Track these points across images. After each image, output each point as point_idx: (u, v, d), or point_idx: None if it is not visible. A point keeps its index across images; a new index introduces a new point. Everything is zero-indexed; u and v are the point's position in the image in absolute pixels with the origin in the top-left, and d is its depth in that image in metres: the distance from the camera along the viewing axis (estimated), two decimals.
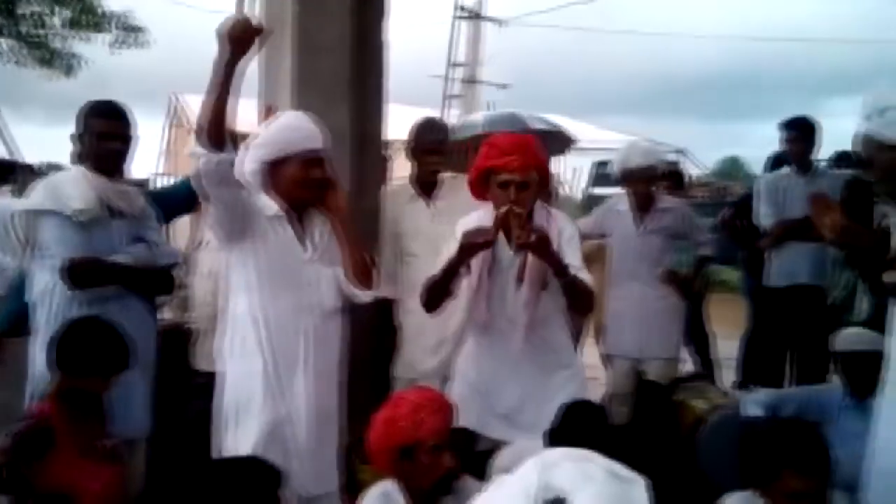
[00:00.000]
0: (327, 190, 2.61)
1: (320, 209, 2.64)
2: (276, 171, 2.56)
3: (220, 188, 2.38)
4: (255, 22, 2.28)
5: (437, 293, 2.77)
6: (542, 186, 2.81)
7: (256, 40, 2.30)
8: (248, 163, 2.55)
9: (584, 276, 2.74)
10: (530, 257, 2.73)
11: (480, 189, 2.82)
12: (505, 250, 2.80)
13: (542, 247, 2.59)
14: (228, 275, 2.57)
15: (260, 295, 2.50)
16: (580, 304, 2.83)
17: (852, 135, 2.27)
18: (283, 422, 2.50)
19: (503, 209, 2.61)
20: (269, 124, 2.67)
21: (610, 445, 2.33)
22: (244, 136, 2.65)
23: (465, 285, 3.53)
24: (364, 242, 2.77)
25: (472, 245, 2.63)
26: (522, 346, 2.80)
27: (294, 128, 2.59)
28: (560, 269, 2.66)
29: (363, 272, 2.64)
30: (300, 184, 2.55)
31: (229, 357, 2.54)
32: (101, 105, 2.95)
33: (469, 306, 2.85)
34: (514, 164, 2.67)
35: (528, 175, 2.69)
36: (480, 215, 2.82)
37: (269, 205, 2.56)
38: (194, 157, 2.31)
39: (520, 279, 2.76)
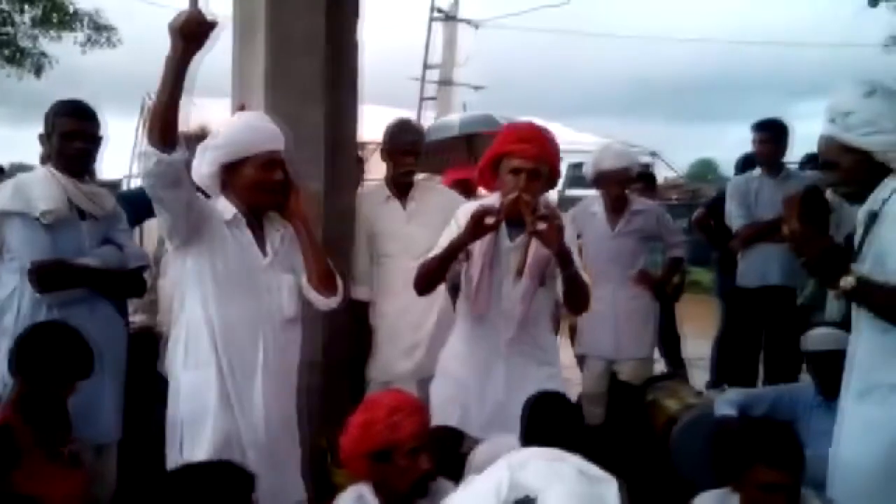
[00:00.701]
0: (288, 193, 2.53)
1: (281, 213, 2.56)
2: (234, 174, 2.47)
3: (172, 190, 2.26)
4: (207, 16, 2.15)
5: (433, 276, 2.75)
6: (550, 182, 2.81)
7: (210, 35, 2.17)
8: (204, 165, 2.47)
9: (584, 274, 2.75)
10: (532, 250, 2.71)
11: (489, 176, 2.81)
12: (505, 241, 2.78)
13: (554, 234, 2.55)
14: (183, 280, 2.47)
15: (216, 302, 2.41)
16: (578, 299, 2.78)
17: (817, 137, 2.31)
18: (239, 434, 2.40)
19: (512, 195, 2.59)
20: (226, 125, 2.57)
21: (578, 435, 2.36)
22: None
23: (441, 289, 3.56)
24: (327, 247, 2.72)
25: (479, 225, 2.59)
26: (512, 340, 2.80)
27: (253, 128, 2.50)
28: (566, 259, 2.63)
29: (326, 278, 2.57)
30: (259, 186, 2.46)
31: (182, 367, 2.44)
32: (67, 104, 2.89)
33: (470, 298, 2.82)
34: (529, 151, 2.66)
35: (540, 164, 2.68)
36: (484, 202, 2.80)
37: (226, 208, 2.47)
38: (145, 158, 2.20)
39: (520, 272, 2.75)
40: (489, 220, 2.58)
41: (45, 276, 2.71)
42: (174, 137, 2.21)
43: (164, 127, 2.18)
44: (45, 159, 2.97)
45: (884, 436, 2.10)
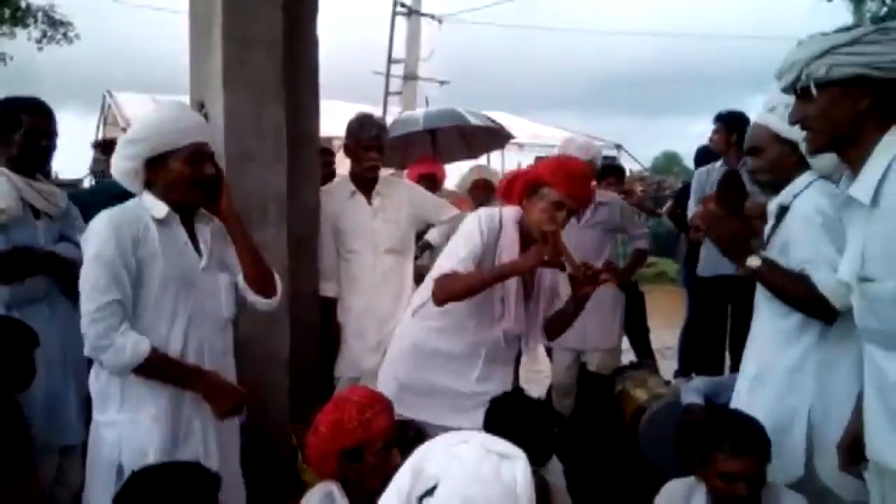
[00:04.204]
0: (219, 189, 2.35)
1: (212, 211, 2.38)
2: (158, 170, 2.27)
3: None
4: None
5: (470, 294, 2.65)
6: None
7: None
8: (122, 161, 2.29)
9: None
10: (544, 278, 2.78)
11: (519, 192, 2.75)
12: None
13: (592, 288, 2.61)
14: None
15: (155, 324, 2.22)
16: (561, 331, 2.86)
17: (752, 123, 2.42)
18: (190, 453, 2.25)
19: (551, 227, 2.56)
20: (145, 116, 2.37)
21: (540, 431, 2.36)
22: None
23: (409, 284, 3.53)
24: (290, 244, 2.62)
25: (548, 262, 2.56)
26: (495, 344, 2.82)
27: (176, 119, 2.29)
28: (584, 303, 2.69)
29: (263, 279, 2.43)
30: (189, 182, 2.26)
31: (118, 409, 2.23)
32: (31, 101, 2.86)
33: (499, 316, 2.77)
34: (580, 192, 2.69)
35: (580, 204, 2.74)
36: (503, 213, 2.77)
37: (156, 206, 2.26)
38: (123, 369, 2.17)
39: (528, 297, 2.79)
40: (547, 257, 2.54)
41: (10, 265, 2.67)
42: None
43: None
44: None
45: (779, 414, 2.23)
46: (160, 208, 2.26)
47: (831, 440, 2.09)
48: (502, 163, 10.24)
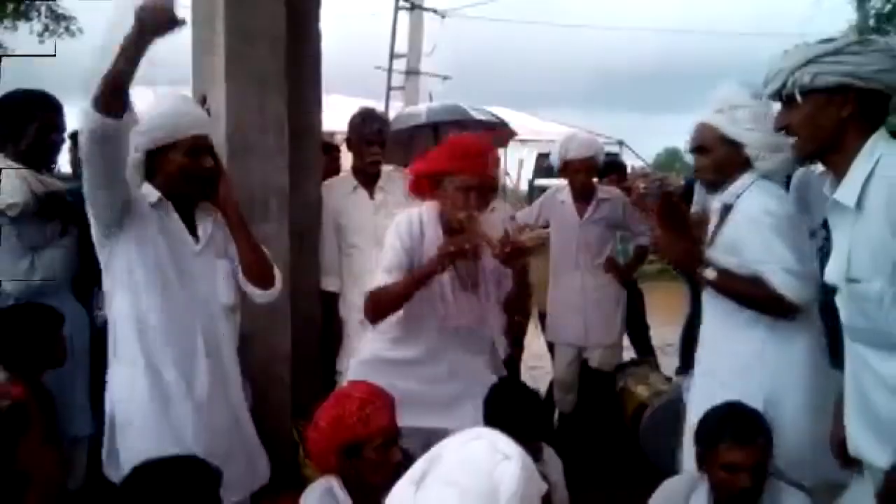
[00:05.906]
0: (218, 181, 2.39)
1: (211, 201, 2.41)
2: (160, 161, 2.31)
3: (105, 147, 2.05)
4: (175, 13, 1.98)
5: (394, 307, 2.59)
6: (490, 193, 2.74)
7: (174, 30, 2.01)
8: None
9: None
10: (483, 263, 2.67)
11: (427, 187, 2.68)
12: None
13: (517, 257, 2.53)
14: (110, 276, 2.29)
15: (147, 293, 2.25)
16: (517, 304, 2.86)
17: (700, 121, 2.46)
18: (179, 431, 2.25)
19: (465, 214, 2.51)
20: (147, 109, 2.36)
21: (537, 420, 2.38)
22: None
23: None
24: (292, 238, 2.62)
25: (458, 253, 2.48)
26: (456, 335, 2.74)
27: (178, 112, 2.33)
28: (525, 277, 2.67)
29: (260, 269, 2.44)
30: (188, 174, 2.30)
31: (117, 365, 2.29)
32: (47, 97, 2.91)
33: (441, 313, 2.68)
34: (479, 168, 2.57)
35: (486, 180, 2.62)
36: (422, 212, 2.69)
37: (151, 192, 2.31)
38: (82, 113, 2.02)
39: (474, 284, 2.71)
40: (467, 247, 2.48)
41: (48, 204, 2.80)
42: (122, 107, 2.03)
43: (112, 96, 2.00)
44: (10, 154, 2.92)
45: None
46: (153, 194, 2.31)
47: (785, 427, 2.22)
48: (504, 160, 10.22)
